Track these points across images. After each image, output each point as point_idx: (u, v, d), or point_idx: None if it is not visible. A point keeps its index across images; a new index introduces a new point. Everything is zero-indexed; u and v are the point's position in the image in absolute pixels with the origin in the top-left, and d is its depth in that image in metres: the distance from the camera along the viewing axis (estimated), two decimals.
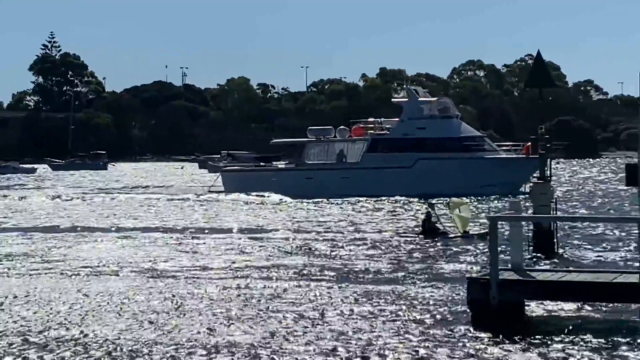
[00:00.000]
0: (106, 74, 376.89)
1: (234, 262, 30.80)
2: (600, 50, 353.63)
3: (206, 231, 42.78)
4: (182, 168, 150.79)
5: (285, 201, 64.06)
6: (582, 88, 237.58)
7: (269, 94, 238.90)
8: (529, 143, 75.21)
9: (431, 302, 22.57)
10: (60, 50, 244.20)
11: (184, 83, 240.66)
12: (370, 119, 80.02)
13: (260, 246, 35.65)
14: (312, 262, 30.77)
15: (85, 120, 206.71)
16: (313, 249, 34.71)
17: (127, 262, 31.25)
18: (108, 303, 23.18)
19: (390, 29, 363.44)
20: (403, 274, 27.72)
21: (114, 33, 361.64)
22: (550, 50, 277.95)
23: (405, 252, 33.33)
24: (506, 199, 59.60)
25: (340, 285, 25.65)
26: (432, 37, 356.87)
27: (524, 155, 71.81)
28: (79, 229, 44.72)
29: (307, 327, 19.98)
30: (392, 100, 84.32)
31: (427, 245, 35.25)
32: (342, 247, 35.15)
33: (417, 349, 17.98)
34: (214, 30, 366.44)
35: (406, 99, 76.21)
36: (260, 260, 31.44)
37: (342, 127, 76.44)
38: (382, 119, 79.08)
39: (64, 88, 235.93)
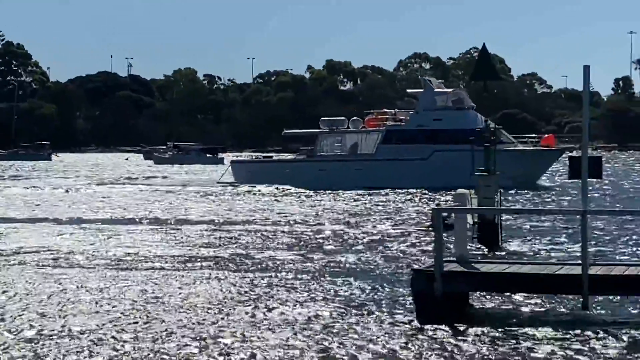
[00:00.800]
0: (50, 63, 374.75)
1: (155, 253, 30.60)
2: (544, 44, 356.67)
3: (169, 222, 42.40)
4: (127, 159, 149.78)
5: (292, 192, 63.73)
6: (526, 81, 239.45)
7: (215, 85, 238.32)
8: (547, 135, 75.20)
9: (378, 295, 22.57)
10: (3, 39, 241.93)
11: (129, 74, 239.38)
12: (384, 110, 79.25)
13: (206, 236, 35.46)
14: (242, 254, 30.52)
15: (29, 110, 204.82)
16: (266, 241, 34.50)
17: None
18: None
19: (337, 22, 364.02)
20: (372, 263, 27.79)
21: (58, 22, 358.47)
22: (495, 43, 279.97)
23: (392, 244, 32.76)
24: (525, 191, 60.32)
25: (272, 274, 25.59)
26: (378, 30, 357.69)
27: (544, 148, 71.89)
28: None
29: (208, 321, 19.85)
30: (407, 91, 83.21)
31: (422, 238, 34.43)
32: (316, 240, 34.96)
33: (355, 341, 17.91)
34: (160, 20, 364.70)
35: (421, 90, 75.62)
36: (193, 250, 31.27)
37: (355, 118, 75.69)
38: (396, 110, 78.12)
39: (8, 78, 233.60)
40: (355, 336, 18.25)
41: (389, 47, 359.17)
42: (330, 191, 63.12)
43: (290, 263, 28.19)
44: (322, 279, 25.09)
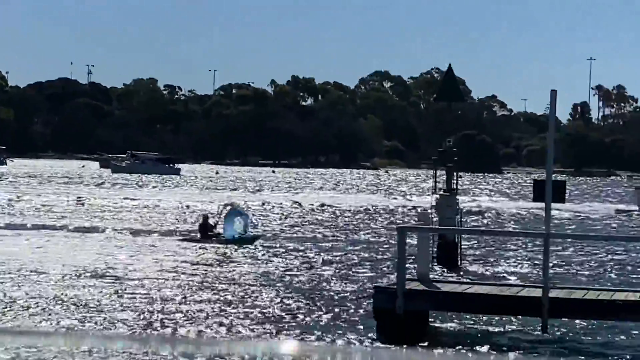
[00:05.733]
0: (9, 68, 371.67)
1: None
2: (504, 67, 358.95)
3: None
4: (82, 167, 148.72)
5: None
6: (486, 103, 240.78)
7: (176, 96, 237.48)
8: None
9: (339, 308, 22.55)
10: None
11: (89, 81, 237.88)
12: None
13: None
14: None
15: None
16: None
17: None
18: None
19: (301, 34, 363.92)
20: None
21: (19, 27, 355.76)
22: (455, 64, 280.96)
23: None
24: None
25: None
26: (342, 46, 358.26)
27: None
28: None
29: None
30: None
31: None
32: None
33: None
34: (121, 28, 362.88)
35: None
36: None
37: None
38: None
39: None
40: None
41: (352, 63, 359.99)
42: None
43: None
44: None
